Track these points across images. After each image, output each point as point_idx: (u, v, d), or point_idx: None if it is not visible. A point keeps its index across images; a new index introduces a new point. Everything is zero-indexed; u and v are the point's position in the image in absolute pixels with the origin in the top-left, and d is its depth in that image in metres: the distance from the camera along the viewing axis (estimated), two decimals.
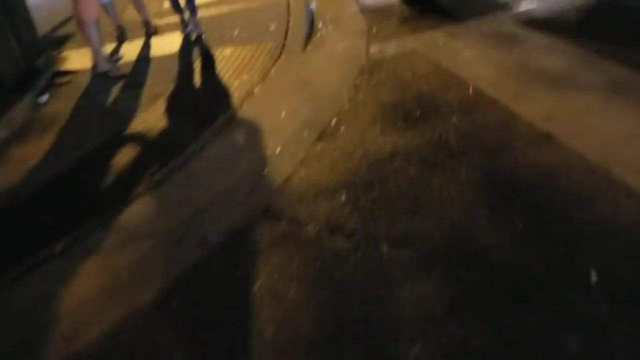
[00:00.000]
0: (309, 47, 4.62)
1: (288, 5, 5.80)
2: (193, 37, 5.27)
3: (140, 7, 5.62)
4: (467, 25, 4.31)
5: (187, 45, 5.18)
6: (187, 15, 5.37)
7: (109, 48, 5.38)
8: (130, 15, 6.02)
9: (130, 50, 5.30)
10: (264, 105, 3.72)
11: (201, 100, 4.00)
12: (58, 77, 4.90)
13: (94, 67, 4.92)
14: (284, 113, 3.50)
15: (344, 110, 3.40)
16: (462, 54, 3.83)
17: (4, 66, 4.49)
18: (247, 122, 3.55)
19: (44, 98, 4.54)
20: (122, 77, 4.61)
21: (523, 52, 3.67)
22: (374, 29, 4.66)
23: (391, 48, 4.17)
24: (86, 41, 4.70)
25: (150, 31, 5.65)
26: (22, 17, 4.81)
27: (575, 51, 3.55)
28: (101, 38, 4.90)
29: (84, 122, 4.03)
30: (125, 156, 3.33)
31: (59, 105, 4.37)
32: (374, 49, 4.22)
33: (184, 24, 5.44)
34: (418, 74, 3.65)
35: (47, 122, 4.09)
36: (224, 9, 6.29)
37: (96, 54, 4.68)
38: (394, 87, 3.55)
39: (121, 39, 5.58)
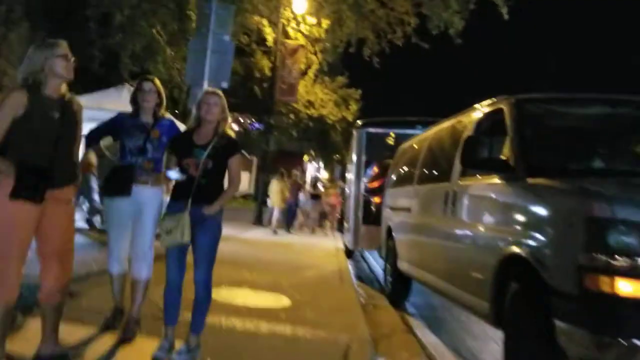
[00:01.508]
0: None
1: (345, 355, 4.04)
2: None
3: (135, 297, 3.95)
4: None
5: None
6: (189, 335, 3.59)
7: (84, 331, 3.79)
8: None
9: (101, 346, 3.63)
10: None
11: None
12: None
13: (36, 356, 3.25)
14: None
15: None
16: None
17: None
18: None
19: None
20: None
21: None
22: None
23: None
24: None
25: (127, 334, 3.81)
26: None
27: None
28: (54, 321, 3.25)
29: None
30: None
31: None
32: None
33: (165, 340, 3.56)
34: None
35: None
36: (263, 327, 4.65)
37: None
38: None
39: (108, 324, 3.99)
